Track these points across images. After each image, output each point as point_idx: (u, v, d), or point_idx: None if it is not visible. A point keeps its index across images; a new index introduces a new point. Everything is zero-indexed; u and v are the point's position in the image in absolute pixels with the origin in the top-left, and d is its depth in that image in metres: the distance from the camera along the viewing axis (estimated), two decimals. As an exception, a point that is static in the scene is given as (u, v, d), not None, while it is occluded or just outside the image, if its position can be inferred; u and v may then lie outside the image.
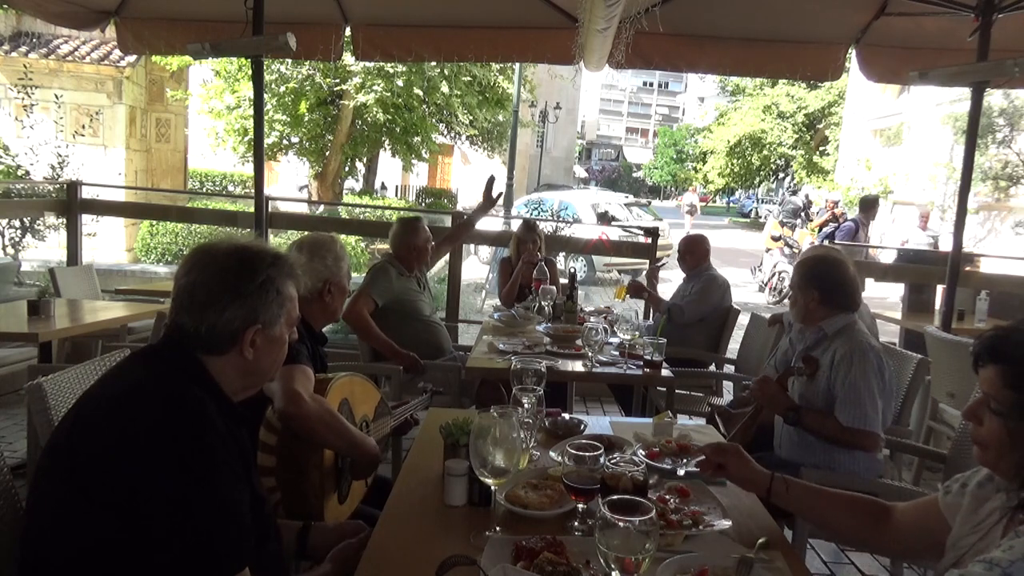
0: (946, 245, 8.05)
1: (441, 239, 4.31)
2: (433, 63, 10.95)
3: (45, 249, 9.28)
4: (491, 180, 4.23)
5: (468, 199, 23.41)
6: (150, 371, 1.31)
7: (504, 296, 4.69)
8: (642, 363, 3.13)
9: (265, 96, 5.91)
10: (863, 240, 9.22)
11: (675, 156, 47.81)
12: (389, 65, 11.43)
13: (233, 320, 1.34)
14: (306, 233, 2.77)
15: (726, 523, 1.59)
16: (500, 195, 4.51)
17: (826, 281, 2.55)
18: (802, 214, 17.26)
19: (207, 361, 1.35)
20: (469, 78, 13.29)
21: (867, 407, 2.38)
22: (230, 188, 17.00)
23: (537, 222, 5.07)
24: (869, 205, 9.64)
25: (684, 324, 4.28)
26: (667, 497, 1.68)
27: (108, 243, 11.18)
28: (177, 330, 1.35)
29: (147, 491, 1.15)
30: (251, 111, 6.47)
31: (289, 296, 1.43)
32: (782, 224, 15.55)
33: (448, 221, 5.62)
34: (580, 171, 48.90)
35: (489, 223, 14.19)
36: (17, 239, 8.74)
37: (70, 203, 5.75)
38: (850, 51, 4.56)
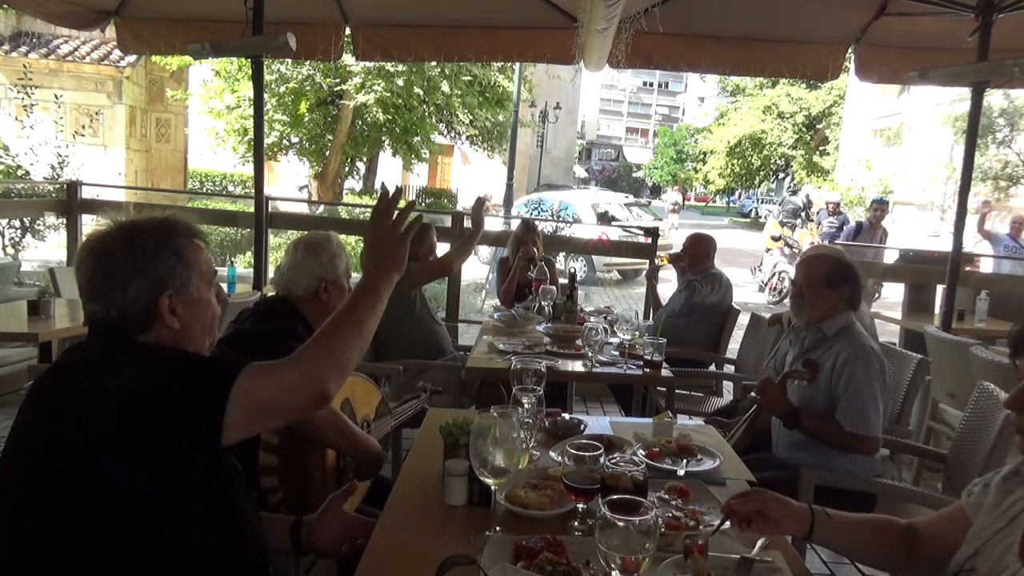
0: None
1: (435, 265, 4.08)
2: (433, 63, 10.96)
3: (45, 249, 9.28)
4: (480, 202, 4.13)
5: (468, 199, 23.41)
6: (115, 370, 1.27)
7: (502, 295, 4.68)
8: (642, 363, 3.13)
9: (265, 96, 5.92)
10: (872, 240, 8.89)
11: (675, 156, 47.79)
12: (389, 65, 11.44)
13: (140, 295, 1.30)
14: (304, 232, 2.75)
15: (726, 523, 1.59)
16: (486, 209, 4.23)
17: (853, 279, 2.54)
18: (802, 214, 17.25)
19: (145, 340, 1.32)
20: (469, 78, 13.29)
21: (870, 412, 2.36)
22: (230, 188, 17.02)
23: (536, 222, 5.07)
24: (874, 206, 9.35)
25: (689, 311, 4.26)
26: (666, 496, 1.68)
27: (108, 243, 11.18)
28: (92, 320, 1.33)
29: (125, 488, 1.17)
30: (251, 111, 6.47)
31: (193, 258, 1.37)
32: (782, 224, 15.54)
33: (448, 221, 5.62)
34: (580, 171, 48.89)
35: (489, 223, 14.20)
36: (17, 239, 8.74)
37: (70, 203, 5.76)
38: (850, 51, 4.56)
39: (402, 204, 1.51)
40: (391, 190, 1.51)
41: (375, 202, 1.50)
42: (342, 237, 2.63)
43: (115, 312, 1.30)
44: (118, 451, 1.18)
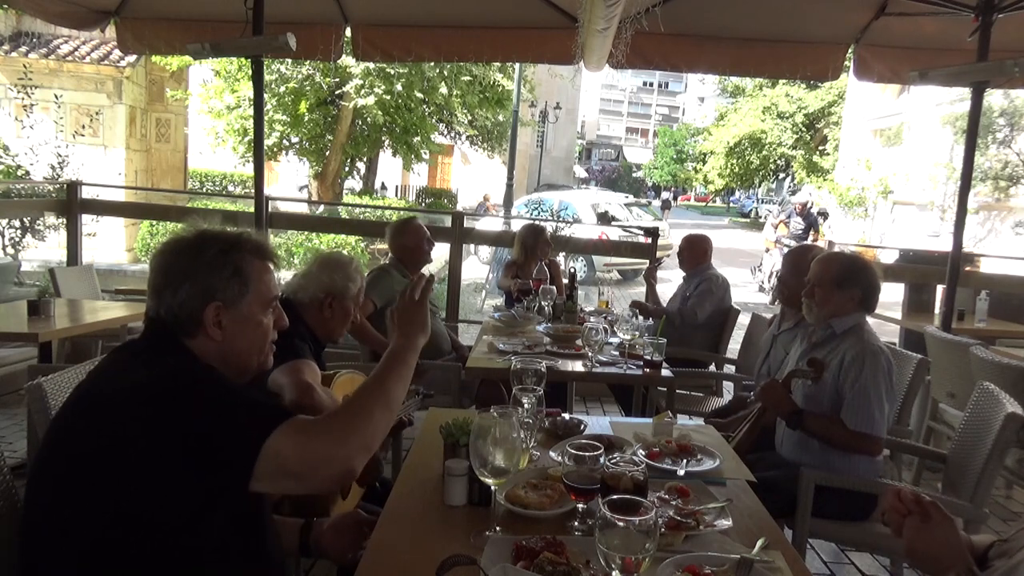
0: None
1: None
2: (432, 63, 10.95)
3: (45, 249, 9.27)
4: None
5: (468, 199, 23.41)
6: (149, 365, 1.27)
7: (502, 283, 4.91)
8: (642, 363, 3.13)
9: (265, 96, 5.91)
10: None
11: (675, 156, 47.80)
12: (388, 68, 11.43)
13: (190, 299, 1.31)
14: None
15: (726, 523, 1.59)
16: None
17: (865, 281, 2.49)
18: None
19: (191, 345, 1.33)
20: (469, 78, 13.28)
21: (874, 411, 2.34)
22: (230, 188, 17.00)
23: (544, 226, 5.08)
24: None
25: (693, 325, 4.27)
26: (667, 497, 1.68)
27: (108, 243, 11.18)
28: (146, 316, 1.35)
29: (151, 490, 1.16)
30: (251, 111, 6.47)
31: (253, 276, 1.38)
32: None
33: (448, 221, 5.62)
34: (580, 171, 48.87)
35: (489, 223, 14.23)
36: (17, 239, 8.73)
37: (70, 203, 5.76)
38: (850, 51, 4.56)
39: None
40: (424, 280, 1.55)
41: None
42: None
43: (164, 311, 1.32)
44: (149, 449, 1.16)
